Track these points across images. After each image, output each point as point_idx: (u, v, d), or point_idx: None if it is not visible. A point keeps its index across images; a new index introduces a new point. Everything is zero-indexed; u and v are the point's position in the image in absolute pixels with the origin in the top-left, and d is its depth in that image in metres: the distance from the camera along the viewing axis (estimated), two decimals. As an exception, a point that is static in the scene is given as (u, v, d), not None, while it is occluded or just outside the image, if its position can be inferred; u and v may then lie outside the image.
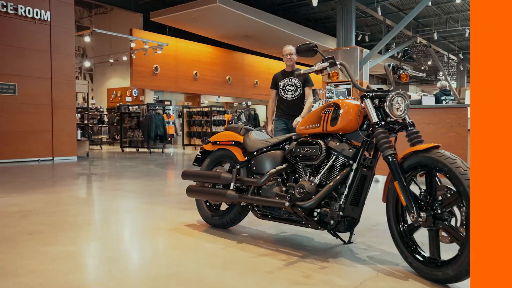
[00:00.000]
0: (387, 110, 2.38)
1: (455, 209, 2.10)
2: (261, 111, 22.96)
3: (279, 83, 4.77)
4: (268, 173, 2.82)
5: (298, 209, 2.56)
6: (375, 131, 2.40)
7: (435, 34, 19.74)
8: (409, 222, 2.32)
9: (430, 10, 19.12)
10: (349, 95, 7.25)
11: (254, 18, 15.48)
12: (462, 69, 28.07)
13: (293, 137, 2.92)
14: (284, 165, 2.84)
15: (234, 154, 3.21)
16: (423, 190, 2.26)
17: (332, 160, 2.56)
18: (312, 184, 2.58)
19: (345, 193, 2.47)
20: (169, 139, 14.01)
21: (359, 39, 19.24)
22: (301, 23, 18.42)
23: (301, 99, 4.75)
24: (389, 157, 2.31)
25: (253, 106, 17.53)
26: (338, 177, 2.51)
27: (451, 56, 26.66)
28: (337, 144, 2.56)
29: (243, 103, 15.92)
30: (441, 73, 30.17)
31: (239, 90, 21.22)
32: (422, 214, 2.14)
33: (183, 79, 18.28)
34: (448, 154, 2.08)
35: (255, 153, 3.03)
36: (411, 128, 2.40)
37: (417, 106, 6.81)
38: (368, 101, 2.46)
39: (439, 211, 2.12)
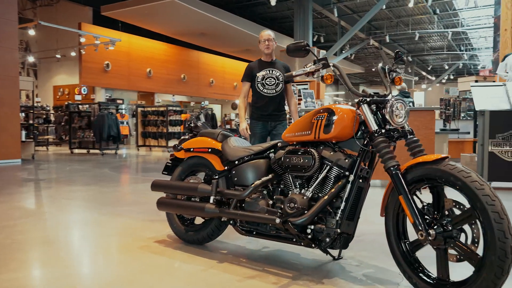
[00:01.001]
0: (388, 117, 2.19)
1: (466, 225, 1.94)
2: (217, 111, 22.58)
3: (257, 75, 3.94)
4: (253, 185, 2.55)
5: (290, 226, 2.31)
6: (374, 140, 2.19)
7: (387, 37, 20.26)
8: (412, 239, 2.14)
9: (383, 14, 19.57)
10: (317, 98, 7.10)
11: (211, 16, 15.11)
12: (410, 71, 29.12)
13: (278, 144, 2.67)
14: (270, 176, 2.58)
15: (210, 163, 2.91)
16: (426, 204, 2.08)
17: (325, 171, 2.33)
18: (304, 197, 2.34)
19: (342, 207, 2.25)
20: (123, 139, 13.34)
21: (314, 39, 19.36)
22: (258, 22, 18.24)
23: (282, 96, 4.04)
24: (391, 168, 2.11)
25: (209, 105, 17.12)
26: (333, 189, 2.28)
27: (400, 58, 27.50)
28: (331, 153, 2.33)
29: (202, 102, 15.49)
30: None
31: (194, 89, 20.73)
32: (431, 232, 1.95)
33: (136, 77, 17.56)
34: (460, 166, 1.91)
35: (236, 162, 2.75)
36: (411, 136, 2.22)
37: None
38: (365, 107, 2.26)
39: (450, 229, 1.94)
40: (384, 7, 16.05)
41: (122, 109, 13.79)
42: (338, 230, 2.21)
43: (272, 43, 3.94)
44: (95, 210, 4.16)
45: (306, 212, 2.29)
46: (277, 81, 3.95)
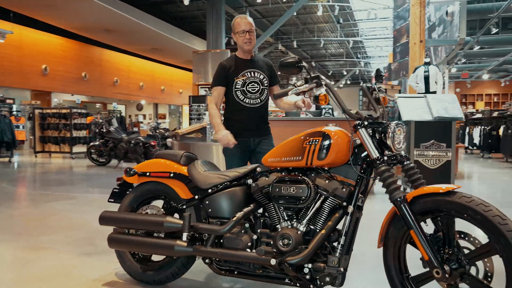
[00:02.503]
0: (389, 143, 2.04)
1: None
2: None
3: (235, 80, 2.96)
4: (234, 218, 2.23)
5: (287, 266, 2.04)
6: (378, 168, 2.03)
7: (295, 42, 20.89)
8: (414, 273, 2.02)
9: (291, 20, 20.11)
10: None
11: (117, 11, 14.09)
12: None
13: (257, 169, 2.38)
14: (252, 206, 2.28)
15: (173, 190, 2.52)
16: (429, 236, 1.97)
17: (320, 201, 2.12)
18: (299, 232, 2.10)
19: (342, 242, 2.05)
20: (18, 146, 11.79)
21: (225, 42, 19.19)
22: (167, 20, 17.53)
23: (267, 106, 3.13)
24: (398, 200, 1.96)
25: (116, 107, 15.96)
26: (331, 222, 2.08)
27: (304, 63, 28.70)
28: (327, 182, 2.12)
29: (114, 104, 14.35)
30: (294, 78, 32.24)
31: (97, 89, 19.23)
32: (446, 268, 1.84)
33: (29, 74, 15.72)
34: (477, 199, 1.82)
35: (209, 190, 2.40)
36: (408, 162, 2.10)
37: (311, 118, 6.82)
38: (364, 132, 2.08)
39: (465, 263, 1.85)
40: (295, 13, 16.46)
41: (17, 111, 12.18)
42: (342, 269, 2.00)
43: (253, 35, 2.98)
44: (9, 242, 3.45)
45: (302, 249, 2.05)
46: (261, 87, 2.98)
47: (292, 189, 2.13)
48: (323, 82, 2.17)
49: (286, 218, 2.19)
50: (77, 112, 11.93)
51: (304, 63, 2.17)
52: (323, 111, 9.10)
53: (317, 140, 2.13)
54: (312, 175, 2.17)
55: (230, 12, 17.24)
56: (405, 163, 2.09)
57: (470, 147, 13.44)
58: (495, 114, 11.53)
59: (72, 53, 17.70)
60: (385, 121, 2.18)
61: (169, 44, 18.12)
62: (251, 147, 3.04)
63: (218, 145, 6.37)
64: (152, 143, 8.79)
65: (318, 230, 2.09)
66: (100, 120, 11.18)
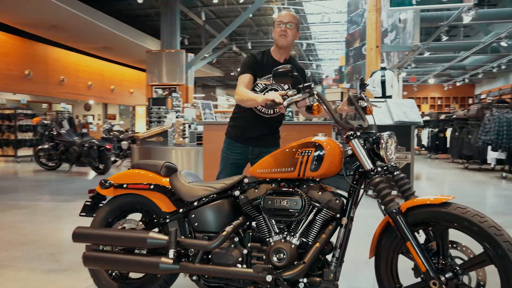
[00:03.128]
0: (382, 154, 2.03)
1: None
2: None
3: (258, 80, 2.68)
4: (224, 232, 2.13)
5: (282, 282, 1.98)
6: (371, 179, 2.02)
7: (249, 44, 20.91)
8: (406, 284, 2.03)
9: (245, 21, 20.09)
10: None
11: (65, 6, 13.38)
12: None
13: (245, 180, 2.30)
14: (241, 219, 2.20)
15: (153, 203, 2.39)
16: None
17: (313, 213, 2.07)
18: (293, 246, 2.05)
19: (337, 255, 2.02)
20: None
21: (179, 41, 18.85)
22: (119, 18, 16.93)
23: (281, 119, 2.88)
24: (394, 211, 1.96)
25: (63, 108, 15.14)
26: (325, 235, 2.04)
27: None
28: (320, 193, 2.08)
29: (62, 104, 13.60)
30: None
31: (42, 88, 18.20)
32: (442, 279, 1.86)
33: (-34, 71, 14.60)
34: (472, 210, 1.85)
35: (195, 203, 2.28)
36: (398, 172, 2.11)
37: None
38: (357, 142, 2.07)
39: (460, 274, 1.87)
40: (250, 15, 16.46)
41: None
42: (337, 283, 1.97)
43: (292, 30, 2.63)
44: (-38, 260, 3.14)
45: (298, 263, 1.99)
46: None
47: (285, 202, 2.07)
48: (314, 92, 2.14)
49: (277, 231, 2.13)
50: (23, 113, 11.21)
51: (296, 73, 2.12)
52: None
53: (310, 151, 2.09)
54: (304, 186, 2.13)
55: (185, 11, 16.95)
56: (395, 173, 2.09)
57: (418, 148, 14.08)
58: (442, 117, 12.13)
59: (14, 49, 16.64)
60: (374, 131, 2.18)
61: (120, 42, 17.50)
62: (248, 156, 2.86)
63: (179, 149, 6.19)
64: (107, 146, 8.41)
65: (312, 243, 2.05)
66: (48, 122, 10.57)
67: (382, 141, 2.03)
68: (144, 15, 18.43)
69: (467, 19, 7.58)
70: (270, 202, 2.10)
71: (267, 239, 2.14)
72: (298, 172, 2.10)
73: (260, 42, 22.50)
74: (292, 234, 2.09)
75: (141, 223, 2.46)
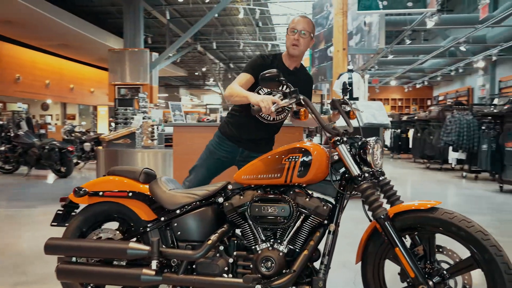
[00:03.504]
0: (370, 160, 2.03)
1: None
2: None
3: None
4: (209, 241, 2.06)
5: (271, 291, 1.93)
6: (359, 185, 2.01)
7: (214, 44, 20.76)
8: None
9: (210, 21, 19.92)
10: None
11: (20, 1, 12.77)
12: (230, 77, 30.63)
13: (228, 186, 2.23)
14: (226, 227, 2.14)
15: (132, 211, 2.28)
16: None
17: (300, 220, 2.04)
18: (281, 254, 2.01)
19: (325, 262, 2.00)
20: None
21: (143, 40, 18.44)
22: (80, 15, 16.34)
23: (280, 126, 2.77)
24: (382, 217, 1.95)
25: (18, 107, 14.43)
26: (313, 242, 2.02)
27: (221, 64, 28.72)
28: (307, 199, 2.05)
29: (19, 104, 12.94)
30: (211, 79, 32.15)
31: (-5, 86, 17.31)
32: (430, 283, 1.87)
33: None
34: (459, 215, 1.87)
35: (178, 211, 2.20)
36: (383, 177, 2.11)
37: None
38: (344, 148, 2.05)
39: (447, 278, 1.90)
40: (216, 15, 16.34)
41: None
42: (327, 290, 1.95)
43: (305, 39, 2.47)
44: None
45: (287, 272, 1.95)
46: (283, 109, 2.45)
47: (273, 209, 2.03)
48: (301, 97, 2.10)
49: (264, 239, 2.08)
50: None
51: (283, 78, 2.08)
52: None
53: (297, 157, 2.05)
54: (291, 193, 2.09)
55: (148, 9, 16.59)
56: (380, 178, 2.09)
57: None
58: (404, 118, 12.50)
59: (-35, 46, 15.74)
60: (360, 136, 2.17)
61: (80, 40, 16.88)
62: (236, 157, 2.73)
63: (148, 151, 6.03)
64: (69, 148, 8.08)
65: (300, 251, 2.02)
66: (4, 122, 10.04)
67: (369, 146, 2.03)
68: (106, 12, 17.92)
69: (430, 24, 7.84)
70: (257, 209, 2.05)
71: (253, 247, 2.09)
72: (285, 178, 2.06)
73: (225, 42, 22.41)
74: (279, 241, 2.05)
75: (118, 232, 2.34)
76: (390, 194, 2.07)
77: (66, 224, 2.38)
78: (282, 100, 2.08)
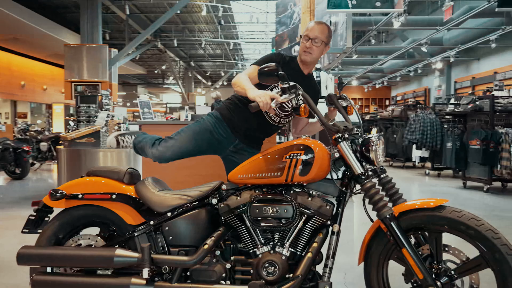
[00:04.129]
0: (373, 157, 1.95)
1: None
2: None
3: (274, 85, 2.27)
4: (206, 246, 1.91)
5: (276, 298, 1.81)
6: (363, 184, 1.93)
7: (175, 41, 20.32)
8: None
9: (171, 17, 19.50)
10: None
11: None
12: (190, 75, 30.18)
13: (223, 187, 2.09)
14: (221, 230, 1.99)
15: (116, 215, 2.09)
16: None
17: (302, 221, 1.93)
18: (283, 257, 1.89)
19: (330, 264, 1.90)
20: None
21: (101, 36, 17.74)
22: (33, 8, 15.49)
23: (278, 129, 2.65)
24: (388, 217, 1.87)
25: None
26: (316, 244, 1.92)
27: (182, 62, 28.24)
28: (309, 199, 1.95)
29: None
30: (171, 78, 31.55)
31: None
32: (438, 284, 1.81)
33: None
34: (468, 213, 1.82)
35: (168, 214, 2.02)
36: (385, 175, 2.04)
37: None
38: (345, 145, 1.97)
39: (455, 278, 1.85)
40: (179, 11, 16.00)
41: None
42: (333, 294, 1.85)
43: (319, 47, 2.35)
44: None
45: (291, 277, 1.84)
46: (292, 112, 2.32)
47: (275, 210, 1.91)
48: (300, 92, 1.99)
49: (263, 242, 1.96)
50: None
51: (283, 72, 1.96)
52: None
53: (299, 154, 1.95)
54: (292, 192, 1.98)
55: (107, 4, 15.97)
56: (382, 176, 2.02)
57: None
58: (367, 117, 12.73)
59: None
60: (359, 132, 2.11)
61: (32, 34, 16.00)
62: (227, 146, 2.48)
63: (115, 151, 5.72)
64: (25, 148, 7.59)
65: (303, 254, 1.91)
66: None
67: (371, 143, 1.95)
68: (63, 6, 17.08)
69: (396, 24, 7.99)
70: (257, 210, 1.92)
71: (252, 251, 1.96)
72: (286, 177, 1.94)
73: (186, 39, 22.00)
74: (281, 244, 1.93)
75: (99, 238, 2.13)
76: (392, 192, 2.00)
77: (39, 231, 2.16)
78: (281, 96, 1.97)
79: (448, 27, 9.13)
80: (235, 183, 2.06)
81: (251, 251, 1.96)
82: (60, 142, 8.83)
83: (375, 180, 1.97)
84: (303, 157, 1.93)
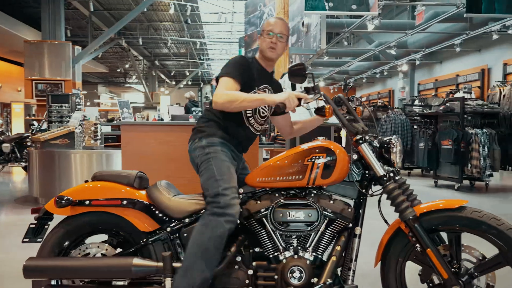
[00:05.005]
0: (393, 159, 1.96)
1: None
2: None
3: (256, 90, 2.19)
4: (229, 252, 1.85)
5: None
6: (385, 186, 1.93)
7: (140, 40, 19.87)
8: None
9: (136, 15, 19.05)
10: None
11: None
12: (154, 74, 29.62)
13: (240, 190, 2.03)
14: (242, 236, 1.94)
15: (127, 222, 1.99)
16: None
17: (324, 224, 1.91)
18: (308, 262, 1.86)
19: (353, 267, 1.89)
20: None
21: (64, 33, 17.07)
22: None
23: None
24: (411, 219, 1.88)
25: None
26: (339, 247, 1.91)
27: (145, 61, 27.67)
28: (330, 202, 1.94)
29: None
30: (134, 76, 30.85)
31: None
32: (461, 283, 1.84)
33: None
34: (488, 213, 1.86)
35: (186, 220, 1.94)
36: (400, 177, 2.06)
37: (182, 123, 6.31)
38: (367, 148, 1.96)
39: (476, 276, 1.89)
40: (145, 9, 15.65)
41: None
42: (358, 298, 1.84)
43: (282, 43, 2.20)
44: None
45: (317, 282, 1.81)
46: (268, 114, 2.28)
47: (299, 214, 1.88)
48: (322, 93, 1.98)
49: (285, 246, 1.92)
50: None
51: (310, 72, 1.94)
52: (193, 113, 8.78)
53: (321, 157, 1.93)
54: (312, 195, 1.96)
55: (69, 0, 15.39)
56: (396, 177, 2.03)
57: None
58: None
59: None
60: (372, 134, 2.12)
61: (-13, 30, 15.19)
62: (239, 165, 2.25)
63: (91, 152, 5.49)
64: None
65: (327, 258, 1.89)
66: None
67: (392, 145, 1.96)
68: (21, 1, 16.29)
69: (370, 27, 8.16)
70: (281, 215, 1.89)
71: (272, 256, 1.91)
72: (308, 181, 1.92)
73: (151, 38, 21.58)
74: (303, 248, 1.90)
75: (109, 246, 2.02)
76: (408, 193, 2.01)
77: (39, 239, 2.02)
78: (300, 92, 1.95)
79: (417, 31, 9.43)
80: (253, 186, 2.01)
81: (272, 255, 1.92)
82: (25, 143, 8.42)
83: (396, 182, 1.97)
84: (325, 160, 1.92)
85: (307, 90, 1.96)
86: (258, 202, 1.95)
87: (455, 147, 6.50)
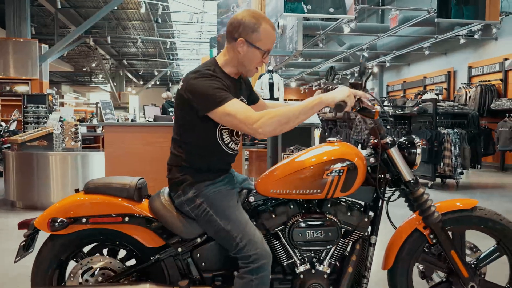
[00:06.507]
0: (417, 161, 1.96)
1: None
2: None
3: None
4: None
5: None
6: (414, 191, 1.93)
7: (109, 38, 19.44)
8: None
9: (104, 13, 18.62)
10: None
11: None
12: (121, 74, 29.03)
13: (250, 198, 1.94)
14: None
15: (131, 237, 1.91)
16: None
17: (341, 236, 1.89)
18: (325, 275, 1.89)
19: (368, 276, 1.94)
20: None
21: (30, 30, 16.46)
22: None
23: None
24: (440, 222, 1.93)
25: None
26: (354, 257, 1.92)
27: (112, 60, 27.06)
28: (348, 214, 1.91)
29: None
30: (100, 76, 30.13)
31: None
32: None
33: None
34: (491, 210, 2.00)
35: (198, 239, 1.88)
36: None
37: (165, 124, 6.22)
38: (396, 151, 1.92)
39: (481, 268, 2.01)
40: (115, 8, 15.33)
41: None
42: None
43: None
44: None
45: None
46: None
47: (319, 233, 1.84)
48: (370, 91, 1.99)
49: (301, 259, 1.91)
50: None
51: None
52: (170, 114, 8.68)
53: (342, 171, 1.84)
54: (329, 206, 1.91)
55: (34, -4, 14.88)
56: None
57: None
58: (309, 118, 13.11)
59: None
60: (393, 136, 2.07)
61: None
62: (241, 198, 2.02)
63: (72, 154, 5.36)
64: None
65: (342, 269, 1.92)
66: None
67: (416, 146, 1.96)
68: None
69: (347, 29, 8.35)
70: (300, 234, 1.84)
71: (287, 267, 1.91)
72: (326, 194, 1.86)
73: (120, 37, 21.16)
74: (320, 260, 1.91)
75: (111, 258, 1.97)
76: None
77: (31, 251, 1.94)
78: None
79: (389, 34, 9.72)
80: (264, 195, 1.93)
81: (287, 268, 1.91)
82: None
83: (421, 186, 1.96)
84: (347, 174, 1.84)
85: (355, 86, 1.87)
86: (273, 215, 1.89)
87: (429, 146, 6.75)
